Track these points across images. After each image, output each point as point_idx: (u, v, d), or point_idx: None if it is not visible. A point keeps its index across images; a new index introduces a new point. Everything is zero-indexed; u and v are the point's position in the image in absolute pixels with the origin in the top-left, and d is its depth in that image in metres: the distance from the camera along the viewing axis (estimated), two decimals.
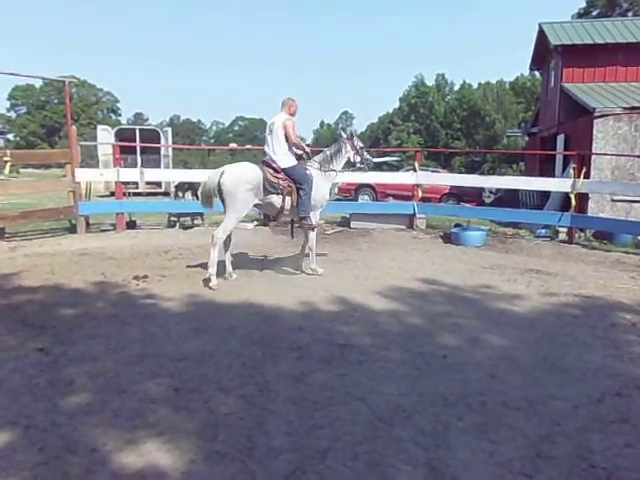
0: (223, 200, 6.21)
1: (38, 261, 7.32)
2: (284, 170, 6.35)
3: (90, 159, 21.49)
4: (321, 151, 6.99)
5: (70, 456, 2.65)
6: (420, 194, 11.29)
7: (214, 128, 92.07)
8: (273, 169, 6.34)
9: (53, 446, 2.73)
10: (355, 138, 7.02)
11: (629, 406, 3.32)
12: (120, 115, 75.51)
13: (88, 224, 10.40)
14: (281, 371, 3.73)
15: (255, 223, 11.21)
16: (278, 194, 6.34)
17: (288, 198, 6.39)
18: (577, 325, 4.94)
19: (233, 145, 38.47)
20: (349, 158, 6.92)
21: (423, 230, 10.99)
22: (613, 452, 2.80)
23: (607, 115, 11.88)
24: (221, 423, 2.99)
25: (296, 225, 7.03)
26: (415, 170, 11.33)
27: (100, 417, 3.03)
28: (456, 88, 54.02)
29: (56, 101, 66.22)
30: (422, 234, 10.60)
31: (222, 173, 6.17)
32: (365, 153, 7.05)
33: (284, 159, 6.38)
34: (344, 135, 7.10)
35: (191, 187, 13.45)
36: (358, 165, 7.02)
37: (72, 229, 10.13)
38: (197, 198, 13.84)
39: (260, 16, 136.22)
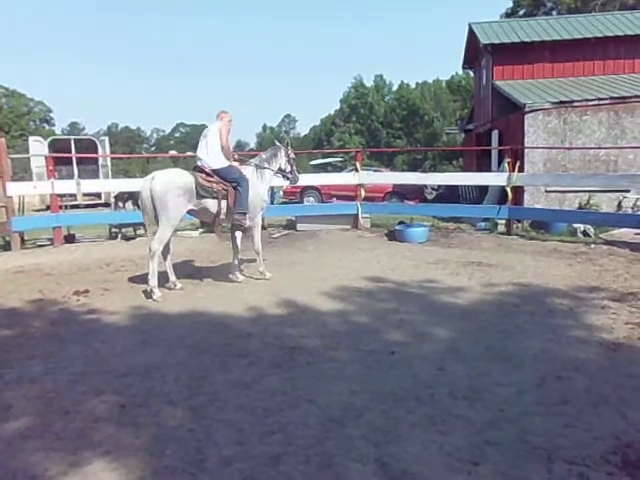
0: (154, 207, 5.96)
1: None
2: (216, 171, 6.23)
3: (24, 172, 20.60)
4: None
5: None
6: (363, 194, 11.42)
7: (155, 135, 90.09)
8: (205, 173, 6.23)
9: None
10: (289, 147, 7.07)
11: (569, 388, 3.47)
12: (54, 125, 72.59)
13: (23, 240, 9.97)
14: (231, 379, 3.69)
15: (200, 230, 11.04)
16: (213, 198, 6.21)
17: (224, 202, 6.27)
18: (517, 313, 5.13)
19: (173, 152, 37.70)
20: (280, 165, 6.93)
21: (368, 229, 11.13)
22: (554, 433, 2.92)
23: (537, 110, 12.38)
24: (170, 436, 2.93)
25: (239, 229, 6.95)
26: (357, 170, 11.46)
27: (41, 441, 2.90)
28: (394, 88, 55.09)
29: None
30: (367, 233, 10.74)
31: (152, 179, 5.99)
32: (294, 166, 7.10)
33: (215, 160, 6.27)
34: (277, 142, 7.16)
35: (131, 196, 13.11)
36: (287, 175, 7.02)
37: (6, 246, 9.67)
38: (138, 207, 13.58)
39: (198, 21, 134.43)
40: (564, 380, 3.60)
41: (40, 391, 3.55)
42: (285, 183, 7.34)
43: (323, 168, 24.21)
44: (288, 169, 7.00)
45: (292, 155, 7.07)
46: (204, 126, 6.63)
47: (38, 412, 3.26)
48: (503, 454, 2.71)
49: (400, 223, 10.71)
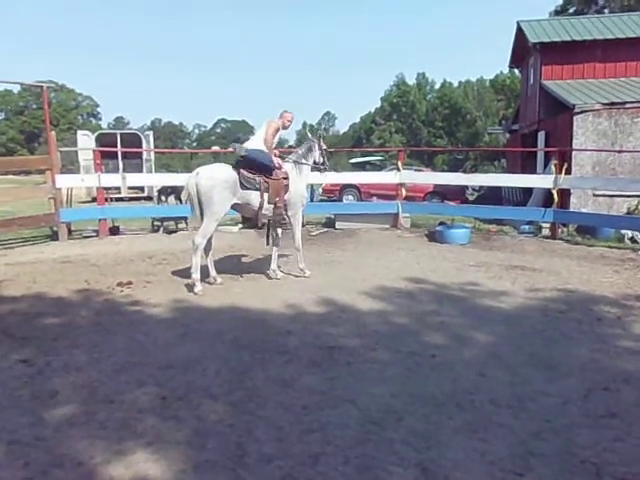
0: (200, 202, 6.06)
1: (19, 270, 7.20)
2: (247, 153, 6.23)
3: (71, 165, 21.23)
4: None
5: (56, 471, 2.59)
6: (404, 193, 11.33)
7: (196, 131, 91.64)
8: (248, 167, 6.27)
9: (38, 461, 2.67)
10: (322, 140, 7.08)
11: (617, 400, 3.35)
12: (100, 119, 74.80)
13: (70, 231, 10.27)
14: (270, 376, 3.70)
15: (240, 226, 11.15)
16: (256, 189, 6.25)
17: (266, 194, 6.30)
18: (563, 320, 4.98)
19: (216, 148, 38.25)
20: (315, 158, 6.93)
21: (408, 229, 11.02)
22: (602, 447, 2.81)
23: (586, 111, 12.00)
24: (210, 431, 2.95)
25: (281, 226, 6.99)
26: (398, 169, 11.36)
27: (86, 429, 2.98)
28: (437, 87, 54.43)
29: (35, 106, 65.31)
30: (407, 233, 10.63)
31: (197, 174, 6.07)
32: (326, 157, 7.10)
33: (253, 145, 6.33)
34: (310, 135, 7.18)
35: (174, 191, 13.38)
36: (320, 167, 7.02)
37: (54, 236, 9.99)
38: (180, 202, 13.82)
39: (242, 17, 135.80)
40: (612, 392, 3.48)
41: (85, 379, 3.64)
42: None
43: (362, 167, 24.11)
44: (321, 160, 7.01)
45: (324, 147, 7.08)
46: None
47: (83, 400, 3.34)
48: (548, 466, 2.63)
49: (441, 224, 10.57)
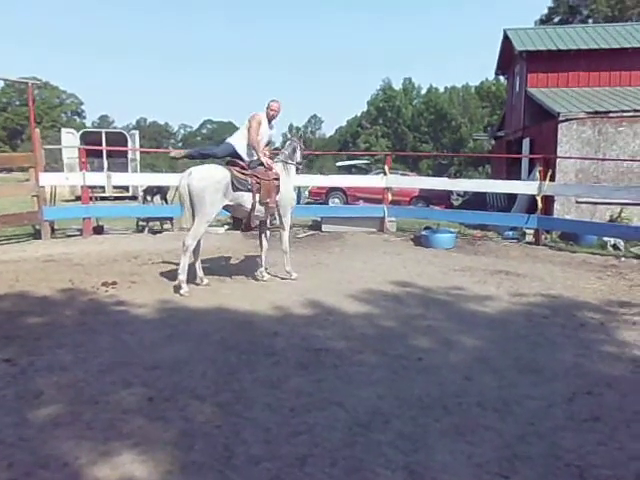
0: (192, 203, 6.00)
1: (2, 268, 7.09)
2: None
3: (54, 163, 20.98)
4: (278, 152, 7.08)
5: (41, 471, 2.56)
6: (390, 197, 11.38)
7: (182, 131, 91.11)
8: (240, 166, 6.26)
9: (23, 461, 2.63)
10: (302, 139, 7.16)
11: (600, 404, 3.39)
12: (85, 118, 74.00)
13: (53, 229, 10.15)
14: (257, 377, 3.69)
15: (226, 227, 11.11)
16: (248, 191, 6.23)
17: (258, 195, 6.28)
18: (547, 325, 5.04)
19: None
20: (297, 158, 6.93)
21: (394, 233, 11.07)
22: (586, 450, 2.85)
23: (571, 119, 12.18)
24: (197, 432, 2.94)
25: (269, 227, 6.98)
26: (385, 173, 11.42)
27: (72, 429, 2.94)
28: (423, 92, 54.77)
29: (17, 103, 64.46)
30: (393, 237, 10.68)
31: (189, 174, 6.01)
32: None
33: (234, 141, 6.37)
34: (289, 135, 7.29)
35: (160, 191, 13.29)
36: (298, 166, 7.01)
37: (36, 235, 9.86)
38: (166, 202, 13.73)
39: (230, 18, 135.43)
40: (595, 396, 3.53)
41: (70, 380, 3.60)
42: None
43: (348, 170, 24.20)
44: (301, 161, 7.03)
45: (303, 147, 7.13)
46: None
47: (68, 400, 3.30)
48: (534, 469, 2.66)
49: (426, 228, 10.64)
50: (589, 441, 2.94)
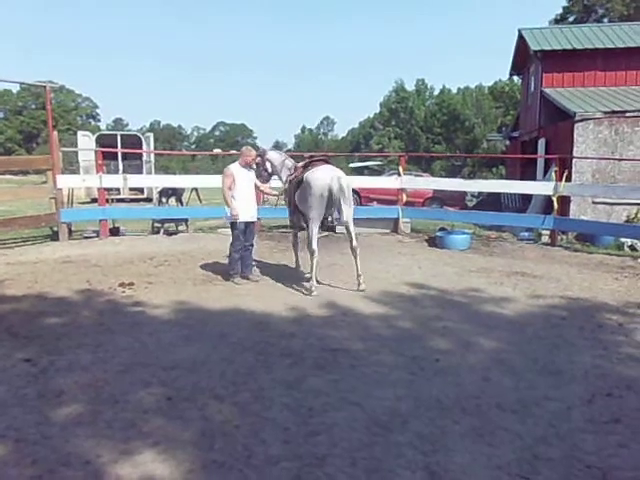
0: (332, 202, 6.15)
1: (21, 270, 7.18)
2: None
3: (70, 165, 21.20)
4: (301, 157, 7.19)
5: (64, 469, 2.59)
6: (404, 198, 11.34)
7: (195, 133, 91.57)
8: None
9: (46, 459, 2.67)
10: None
11: (620, 406, 3.36)
12: (99, 121, 74.72)
13: (70, 231, 10.25)
14: (275, 377, 3.71)
15: None
16: None
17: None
18: (565, 327, 5.00)
19: (217, 150, 38.32)
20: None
21: (408, 234, 11.03)
22: (607, 452, 2.83)
23: (587, 119, 12.05)
24: (217, 432, 2.95)
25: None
26: (399, 175, 11.39)
27: (93, 428, 2.97)
28: (436, 93, 54.51)
29: (34, 106, 65.28)
30: (407, 238, 10.65)
31: (339, 178, 6.09)
32: None
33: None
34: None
35: (175, 193, 13.38)
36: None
37: (53, 236, 9.96)
38: (181, 204, 13.82)
39: (242, 21, 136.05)
40: (615, 398, 3.49)
41: (90, 379, 3.64)
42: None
43: (360, 171, 24.17)
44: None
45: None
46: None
47: (89, 399, 3.34)
48: (555, 470, 2.64)
49: (441, 229, 10.59)
50: (610, 443, 2.92)
